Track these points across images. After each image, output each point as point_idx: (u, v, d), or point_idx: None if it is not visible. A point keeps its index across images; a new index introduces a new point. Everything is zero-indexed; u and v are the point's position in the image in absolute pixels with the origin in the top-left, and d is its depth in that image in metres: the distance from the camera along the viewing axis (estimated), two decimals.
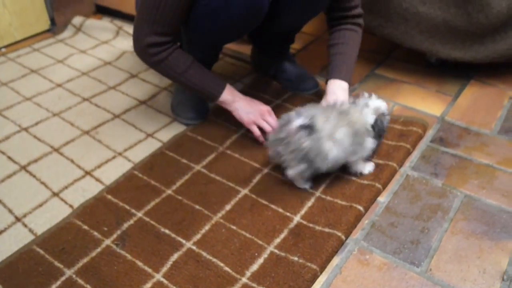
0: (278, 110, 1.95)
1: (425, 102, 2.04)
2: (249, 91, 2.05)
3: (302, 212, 1.53)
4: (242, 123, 1.79)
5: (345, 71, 1.84)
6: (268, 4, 1.61)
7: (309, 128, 1.49)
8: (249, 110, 1.77)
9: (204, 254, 1.40)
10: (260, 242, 1.43)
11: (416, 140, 1.81)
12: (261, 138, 1.75)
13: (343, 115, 1.55)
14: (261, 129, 1.77)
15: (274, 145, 1.57)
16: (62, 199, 1.60)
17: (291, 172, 1.57)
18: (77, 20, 2.76)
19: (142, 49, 1.65)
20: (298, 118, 1.51)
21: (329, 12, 1.89)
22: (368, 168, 1.65)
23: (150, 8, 1.58)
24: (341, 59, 1.87)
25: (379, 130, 1.58)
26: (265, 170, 1.69)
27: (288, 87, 2.13)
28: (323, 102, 1.79)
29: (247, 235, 1.46)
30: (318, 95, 2.06)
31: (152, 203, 1.57)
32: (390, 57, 2.40)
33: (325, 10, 1.89)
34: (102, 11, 2.91)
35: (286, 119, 1.54)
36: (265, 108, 1.78)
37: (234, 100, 1.78)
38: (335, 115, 1.54)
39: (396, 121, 1.89)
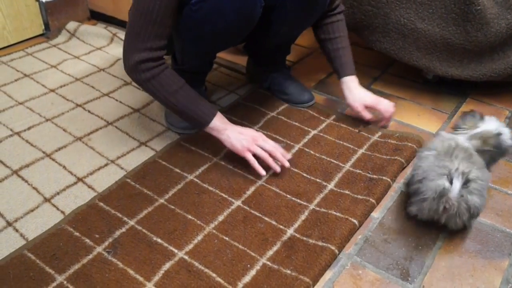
0: (273, 123, 1.95)
1: (421, 119, 2.05)
2: (244, 103, 2.05)
3: (296, 225, 1.52)
4: (235, 151, 1.69)
5: (352, 64, 1.95)
6: (260, 10, 1.61)
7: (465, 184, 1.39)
8: (241, 137, 1.67)
9: (196, 264, 1.39)
10: (253, 254, 1.42)
11: (411, 155, 1.81)
12: (260, 170, 1.67)
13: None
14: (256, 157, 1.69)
15: (431, 217, 1.47)
16: (53, 205, 1.58)
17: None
18: (71, 25, 2.75)
19: (134, 65, 1.57)
20: (451, 183, 1.39)
21: None
22: None
23: (144, 23, 1.53)
24: (345, 53, 1.94)
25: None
26: (259, 182, 1.68)
27: (284, 100, 2.13)
28: (350, 99, 1.93)
29: (240, 246, 1.45)
30: (313, 108, 2.07)
31: (145, 212, 1.56)
32: (387, 72, 2.41)
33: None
34: (97, 17, 2.91)
35: (432, 188, 1.41)
36: (257, 134, 1.70)
37: (225, 127, 1.69)
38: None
39: (391, 136, 1.90)
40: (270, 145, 1.68)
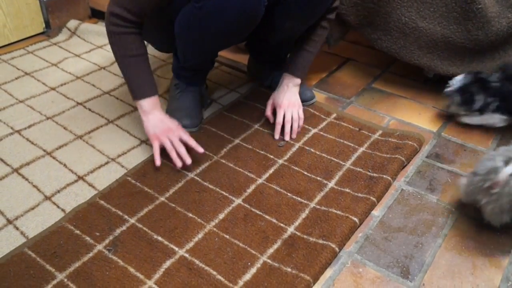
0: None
1: (421, 118, 2.05)
2: (245, 102, 2.05)
3: (296, 223, 1.52)
4: (147, 136, 1.77)
5: (303, 69, 1.98)
6: (263, 8, 1.60)
7: None
8: (157, 125, 1.73)
9: (197, 262, 1.39)
10: (253, 252, 1.42)
11: (411, 153, 1.81)
12: (157, 157, 1.72)
13: None
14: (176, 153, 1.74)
15: (474, 195, 1.49)
16: (54, 203, 1.58)
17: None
18: (72, 23, 2.75)
19: (108, 14, 1.63)
20: (506, 165, 1.38)
21: None
22: None
23: None
24: (304, 56, 1.97)
25: None
26: (259, 181, 1.68)
27: None
28: (275, 95, 1.95)
29: (240, 244, 1.45)
30: (314, 107, 2.07)
31: (145, 210, 1.56)
32: (388, 71, 2.41)
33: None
34: (98, 15, 2.90)
35: (488, 166, 1.42)
36: (175, 128, 1.74)
37: (150, 112, 1.73)
38: None
39: (391, 134, 1.90)
40: (178, 142, 1.72)
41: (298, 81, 1.97)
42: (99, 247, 1.42)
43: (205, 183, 1.67)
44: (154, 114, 1.73)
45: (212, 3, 1.56)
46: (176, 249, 1.42)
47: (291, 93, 1.95)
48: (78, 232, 1.47)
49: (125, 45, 1.67)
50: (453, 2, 1.90)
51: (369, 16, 2.07)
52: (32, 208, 1.56)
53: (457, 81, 1.86)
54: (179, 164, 1.70)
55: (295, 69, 1.97)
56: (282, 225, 1.51)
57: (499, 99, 1.80)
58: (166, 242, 1.44)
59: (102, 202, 1.58)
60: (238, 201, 1.60)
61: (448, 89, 1.90)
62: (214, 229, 1.50)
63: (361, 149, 1.83)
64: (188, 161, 1.70)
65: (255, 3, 1.57)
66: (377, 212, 1.59)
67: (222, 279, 1.34)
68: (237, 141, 1.86)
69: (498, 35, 1.91)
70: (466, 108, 1.82)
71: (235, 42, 1.93)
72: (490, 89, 1.80)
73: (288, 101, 1.93)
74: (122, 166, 1.74)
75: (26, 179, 1.67)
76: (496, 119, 1.88)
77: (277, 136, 1.88)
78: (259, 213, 1.56)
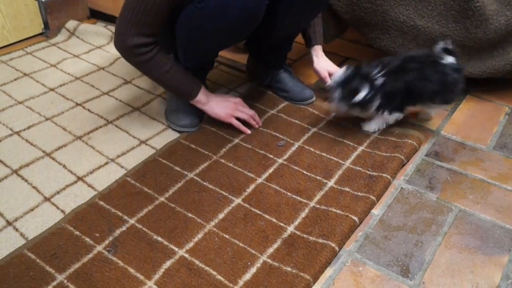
0: (273, 121, 1.96)
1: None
2: (244, 101, 2.05)
3: (296, 222, 1.52)
4: (219, 119, 1.89)
5: (322, 35, 2.12)
6: (264, 8, 1.61)
7: None
8: (224, 105, 1.88)
9: (197, 262, 1.39)
10: (253, 252, 1.42)
11: (411, 152, 1.81)
12: (244, 128, 1.90)
13: None
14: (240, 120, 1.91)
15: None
16: (53, 204, 1.58)
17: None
18: (71, 24, 2.75)
19: (127, 49, 1.66)
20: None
21: None
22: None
23: (136, 10, 1.59)
24: (318, 24, 2.09)
25: None
26: (259, 180, 1.68)
27: (284, 97, 2.13)
28: (317, 65, 2.11)
29: (240, 244, 1.45)
30: (313, 106, 2.07)
31: (145, 210, 1.56)
32: None
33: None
34: (96, 15, 2.90)
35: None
36: (237, 100, 1.92)
37: (208, 99, 1.86)
38: None
39: (391, 133, 1.89)
40: (248, 110, 1.93)
41: (321, 47, 2.13)
42: (99, 248, 1.42)
43: (205, 183, 1.67)
44: (212, 100, 1.88)
45: (214, 3, 1.57)
46: (176, 249, 1.42)
47: (325, 57, 2.14)
48: (78, 233, 1.47)
49: (159, 64, 1.72)
50: (451, 0, 1.90)
51: (365, 16, 2.08)
52: (32, 209, 1.56)
53: (339, 75, 1.84)
54: (256, 126, 1.94)
55: (317, 37, 2.10)
56: (282, 224, 1.51)
57: (382, 96, 1.79)
58: (166, 243, 1.44)
59: (101, 203, 1.58)
60: (237, 200, 1.60)
61: (330, 83, 1.90)
62: (214, 229, 1.50)
63: (361, 148, 1.83)
64: (259, 124, 1.95)
65: (256, 3, 1.58)
66: (377, 211, 1.59)
67: (222, 279, 1.34)
68: (236, 140, 1.86)
69: (497, 33, 1.91)
70: (348, 103, 1.79)
71: (236, 41, 1.96)
72: (373, 85, 1.78)
73: (334, 66, 2.11)
74: (122, 167, 1.74)
75: (26, 180, 1.67)
76: (389, 119, 1.89)
77: None
78: (259, 212, 1.56)
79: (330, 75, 2.06)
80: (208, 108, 1.87)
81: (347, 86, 1.76)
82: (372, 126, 1.90)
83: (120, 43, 1.66)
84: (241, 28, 1.67)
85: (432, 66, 1.77)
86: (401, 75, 1.76)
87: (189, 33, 1.71)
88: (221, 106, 1.87)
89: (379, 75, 1.75)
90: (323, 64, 2.11)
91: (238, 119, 1.89)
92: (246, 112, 1.91)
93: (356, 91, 1.73)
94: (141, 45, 1.64)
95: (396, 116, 1.87)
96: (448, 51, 1.77)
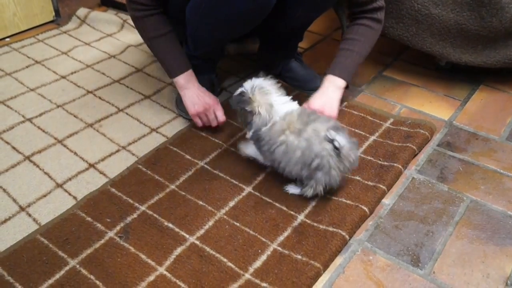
0: None
1: (433, 106, 2.04)
2: None
3: (306, 211, 1.52)
4: (187, 110, 1.84)
5: (345, 68, 1.83)
6: None
7: None
8: (195, 101, 1.80)
9: (208, 249, 1.39)
10: (264, 239, 1.43)
11: (423, 142, 1.80)
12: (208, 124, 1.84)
13: None
14: None
15: None
16: (65, 190, 1.59)
17: None
18: (81, 11, 2.75)
19: (127, 1, 1.72)
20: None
21: (348, 7, 1.90)
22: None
23: None
24: (346, 55, 1.85)
25: None
26: (269, 169, 1.68)
27: (295, 86, 2.12)
28: (311, 98, 1.78)
29: (251, 232, 1.45)
30: None
31: (156, 198, 1.57)
32: (399, 59, 2.39)
33: (345, 4, 1.91)
34: (107, 3, 2.90)
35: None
36: (212, 102, 1.81)
37: (186, 87, 1.81)
38: None
39: (403, 123, 1.89)
40: (213, 118, 1.81)
41: (340, 82, 1.81)
42: (111, 234, 1.44)
43: (215, 171, 1.67)
44: (189, 89, 1.81)
45: None
46: (187, 236, 1.43)
47: (327, 96, 1.79)
48: (89, 219, 1.48)
49: (149, 26, 1.74)
50: None
51: None
52: (44, 196, 1.57)
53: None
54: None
55: (335, 67, 1.84)
56: (292, 213, 1.51)
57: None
58: (177, 229, 1.45)
59: (113, 189, 1.59)
60: (248, 189, 1.60)
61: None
62: (225, 216, 1.50)
63: (373, 138, 1.82)
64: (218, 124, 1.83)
65: None
66: (387, 201, 1.59)
67: (233, 266, 1.35)
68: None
69: None
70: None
71: (246, 30, 1.90)
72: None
73: (321, 105, 1.74)
74: (133, 154, 1.75)
75: (38, 167, 1.69)
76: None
77: None
78: (269, 201, 1.56)
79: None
80: (182, 95, 1.83)
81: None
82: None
83: None
84: (250, 17, 1.67)
85: None
86: None
87: (198, 20, 1.71)
88: (193, 101, 1.80)
89: None
90: (313, 97, 1.79)
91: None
92: (211, 119, 1.81)
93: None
94: (136, 1, 1.69)
95: None
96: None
